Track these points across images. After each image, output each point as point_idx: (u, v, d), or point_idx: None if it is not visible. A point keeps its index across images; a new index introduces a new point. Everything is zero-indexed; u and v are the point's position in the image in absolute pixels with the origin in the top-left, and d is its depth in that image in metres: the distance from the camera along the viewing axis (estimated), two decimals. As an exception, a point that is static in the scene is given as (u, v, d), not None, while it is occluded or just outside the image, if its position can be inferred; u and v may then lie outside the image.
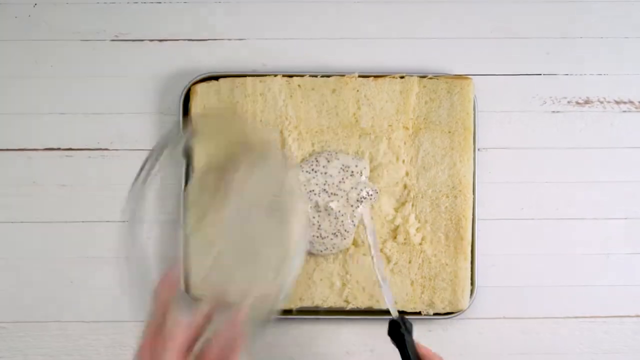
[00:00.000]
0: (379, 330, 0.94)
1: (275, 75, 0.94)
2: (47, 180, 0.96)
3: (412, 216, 0.93)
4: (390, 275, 0.93)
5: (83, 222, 0.96)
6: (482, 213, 0.95)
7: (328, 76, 0.94)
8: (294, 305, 0.93)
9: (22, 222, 0.96)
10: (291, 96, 0.94)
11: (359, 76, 0.94)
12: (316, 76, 0.94)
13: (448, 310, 0.93)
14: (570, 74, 0.97)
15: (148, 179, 0.67)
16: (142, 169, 0.67)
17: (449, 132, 0.94)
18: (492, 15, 0.97)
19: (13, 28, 0.96)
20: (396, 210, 0.94)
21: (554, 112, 0.97)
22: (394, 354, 0.94)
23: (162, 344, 0.60)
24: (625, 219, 0.96)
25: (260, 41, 0.97)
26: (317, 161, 0.91)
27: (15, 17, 0.97)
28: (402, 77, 0.94)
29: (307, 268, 0.93)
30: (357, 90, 0.94)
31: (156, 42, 0.97)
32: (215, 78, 0.94)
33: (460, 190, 0.93)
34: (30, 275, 0.96)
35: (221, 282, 0.65)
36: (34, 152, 0.96)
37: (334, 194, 0.90)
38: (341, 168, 0.90)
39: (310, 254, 0.92)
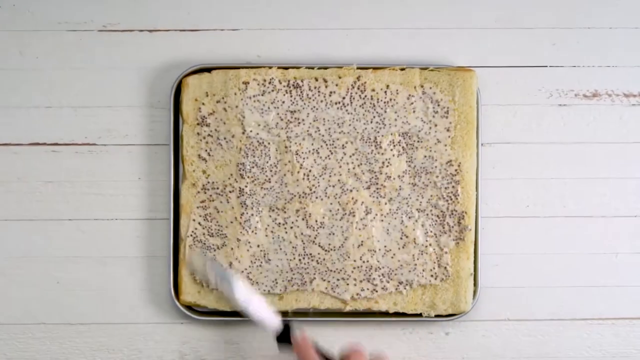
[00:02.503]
0: (378, 332, 0.94)
1: (270, 67, 0.92)
2: (33, 176, 0.95)
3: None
4: (390, 276, 0.91)
5: (70, 220, 0.94)
6: (486, 211, 0.94)
7: (325, 68, 0.92)
8: (289, 307, 0.92)
9: (6, 220, 0.94)
10: (287, 89, 0.92)
11: (358, 68, 0.92)
12: (313, 68, 0.92)
13: (450, 311, 0.92)
14: (578, 66, 0.96)
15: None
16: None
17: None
18: (496, 4, 0.95)
19: (-3, 18, 0.95)
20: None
21: (560, 105, 0.95)
22: (394, 356, 0.92)
23: None
24: (635, 216, 0.95)
25: (255, 31, 0.95)
26: None
27: None
28: (402, 69, 0.92)
29: (303, 268, 0.91)
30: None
31: (146, 32, 0.95)
32: (208, 70, 0.93)
33: (462, 187, 0.91)
34: (14, 275, 0.94)
35: None
36: (19, 147, 0.95)
37: None
38: None
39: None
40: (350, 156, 0.91)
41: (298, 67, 0.92)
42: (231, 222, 0.91)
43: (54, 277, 0.94)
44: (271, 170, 0.91)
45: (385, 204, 0.91)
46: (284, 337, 0.85)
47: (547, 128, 0.95)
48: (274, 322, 0.86)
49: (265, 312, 0.86)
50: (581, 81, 0.95)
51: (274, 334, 0.86)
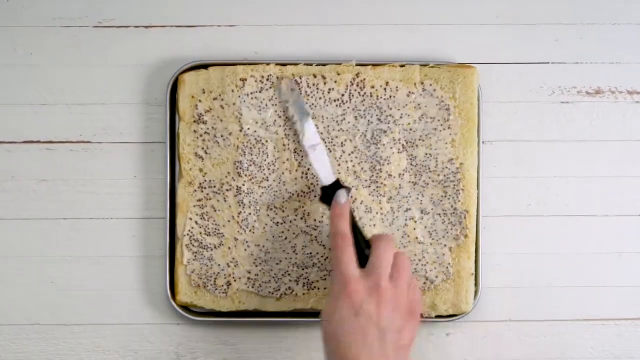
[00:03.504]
0: (378, 334, 0.92)
1: (268, 64, 0.91)
2: (27, 175, 0.94)
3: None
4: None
5: (64, 219, 0.93)
6: (487, 210, 0.93)
7: (324, 64, 0.91)
8: (287, 308, 0.91)
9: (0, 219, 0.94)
10: (285, 86, 0.91)
11: (357, 64, 0.91)
12: (311, 64, 0.91)
13: (451, 312, 0.91)
14: (581, 63, 0.95)
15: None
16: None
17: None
18: (497, 0, 0.94)
19: (-10, 14, 0.94)
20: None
21: (563, 102, 0.95)
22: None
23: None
24: (639, 215, 0.94)
25: (252, 28, 0.94)
26: None
27: (-7, 3, 0.95)
28: (402, 66, 0.91)
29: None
30: (355, 80, 0.92)
31: (142, 28, 0.94)
32: (205, 67, 0.91)
33: (463, 186, 0.90)
34: (8, 275, 0.93)
35: None
36: (13, 145, 0.94)
37: None
38: None
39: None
40: (350, 154, 0.90)
41: (296, 64, 0.91)
42: (229, 221, 0.90)
43: (49, 277, 0.93)
44: (269, 169, 0.90)
45: (386, 202, 0.90)
46: (329, 197, 0.85)
47: (550, 126, 0.94)
48: (328, 176, 0.86)
49: (324, 164, 0.86)
50: (584, 78, 0.94)
51: (321, 188, 0.86)
